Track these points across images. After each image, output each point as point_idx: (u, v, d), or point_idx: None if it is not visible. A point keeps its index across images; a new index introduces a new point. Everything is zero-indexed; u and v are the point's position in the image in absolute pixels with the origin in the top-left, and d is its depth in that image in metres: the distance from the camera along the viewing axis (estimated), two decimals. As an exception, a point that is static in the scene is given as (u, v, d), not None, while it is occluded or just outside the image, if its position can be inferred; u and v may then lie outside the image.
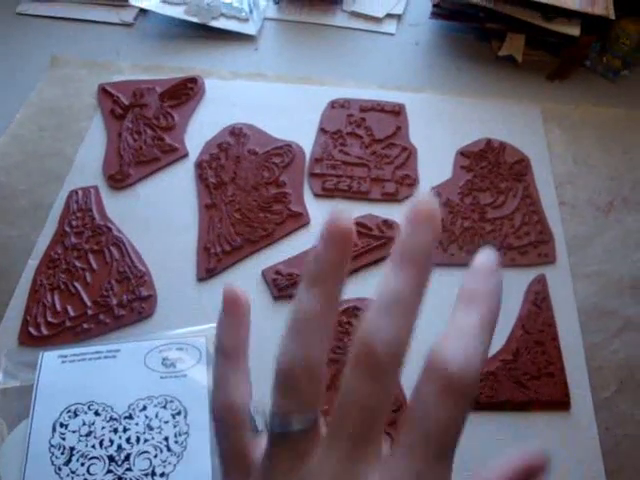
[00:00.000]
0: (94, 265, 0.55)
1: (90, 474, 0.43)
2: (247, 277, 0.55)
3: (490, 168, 0.62)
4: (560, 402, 0.49)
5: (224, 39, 0.75)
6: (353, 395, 0.21)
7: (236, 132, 0.64)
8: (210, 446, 0.45)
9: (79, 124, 0.67)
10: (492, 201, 0.60)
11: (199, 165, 0.62)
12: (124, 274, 0.55)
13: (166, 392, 0.47)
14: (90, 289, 0.54)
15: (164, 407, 0.46)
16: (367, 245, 0.56)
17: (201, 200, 0.59)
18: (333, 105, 0.67)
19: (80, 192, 0.60)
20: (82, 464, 0.43)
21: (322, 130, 0.64)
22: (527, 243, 0.57)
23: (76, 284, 0.54)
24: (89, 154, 0.64)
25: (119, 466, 0.43)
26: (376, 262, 0.55)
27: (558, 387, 0.49)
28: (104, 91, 0.69)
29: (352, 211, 0.59)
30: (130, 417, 0.45)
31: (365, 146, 0.63)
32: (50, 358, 0.48)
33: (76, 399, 0.46)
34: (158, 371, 0.48)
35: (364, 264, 0.55)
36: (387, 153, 0.62)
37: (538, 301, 0.54)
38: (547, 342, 0.52)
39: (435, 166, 0.62)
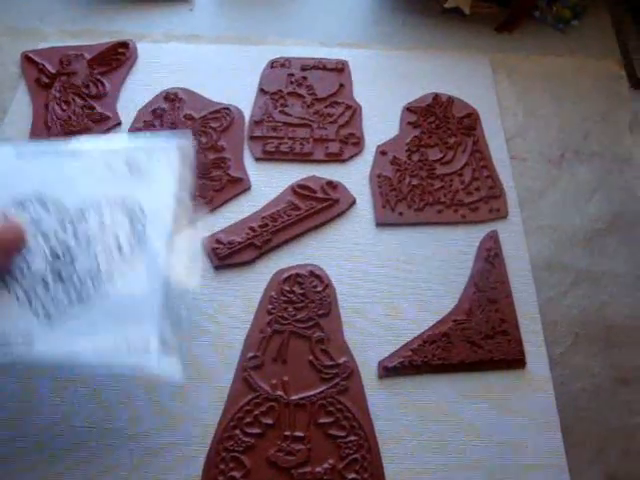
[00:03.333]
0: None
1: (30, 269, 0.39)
2: (186, 248, 0.52)
3: (438, 123, 0.59)
4: (515, 360, 0.48)
5: (157, 0, 0.71)
6: None
7: (171, 97, 0.60)
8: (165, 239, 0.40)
9: (1, 96, 0.62)
10: (441, 157, 0.57)
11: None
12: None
13: (126, 193, 0.41)
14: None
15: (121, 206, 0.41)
16: (311, 208, 0.53)
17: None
18: (273, 65, 0.63)
19: (4, 168, 0.56)
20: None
21: (262, 91, 0.61)
22: (478, 199, 0.55)
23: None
24: (13, 128, 0.60)
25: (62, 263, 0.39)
26: (320, 225, 0.53)
27: (513, 345, 0.48)
28: (28, 59, 0.64)
29: (295, 173, 0.57)
30: (82, 215, 0.41)
31: (307, 106, 0.60)
32: (4, 151, 0.43)
33: (25, 192, 0.41)
34: (122, 173, 0.42)
35: (308, 228, 0.52)
36: (330, 112, 0.59)
37: (490, 258, 0.52)
38: (501, 299, 0.50)
39: (381, 123, 0.60)
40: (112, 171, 0.42)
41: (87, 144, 0.44)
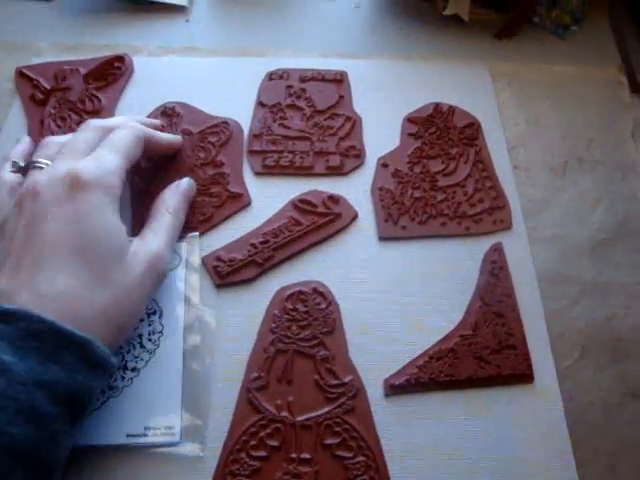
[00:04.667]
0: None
1: None
2: (186, 266, 0.51)
3: (439, 134, 0.59)
4: (523, 375, 0.47)
5: (153, 11, 0.70)
6: None
7: (168, 112, 0.60)
8: (182, 347, 0.46)
9: (-5, 113, 0.61)
10: (443, 168, 0.57)
11: (129, 149, 0.57)
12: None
13: None
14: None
15: None
16: (313, 223, 0.52)
17: (133, 187, 0.55)
18: (271, 77, 0.62)
19: (0, 186, 0.55)
20: None
21: (260, 104, 0.60)
22: (481, 210, 0.54)
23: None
24: (8, 145, 0.58)
25: None
26: (322, 241, 0.52)
27: (520, 359, 0.47)
28: (22, 75, 0.63)
29: (296, 187, 0.56)
30: None
31: (306, 118, 0.59)
32: None
33: None
34: None
35: (310, 244, 0.51)
36: (330, 124, 0.59)
37: (495, 270, 0.51)
38: (507, 313, 0.49)
39: (382, 135, 0.59)
40: None
41: None
